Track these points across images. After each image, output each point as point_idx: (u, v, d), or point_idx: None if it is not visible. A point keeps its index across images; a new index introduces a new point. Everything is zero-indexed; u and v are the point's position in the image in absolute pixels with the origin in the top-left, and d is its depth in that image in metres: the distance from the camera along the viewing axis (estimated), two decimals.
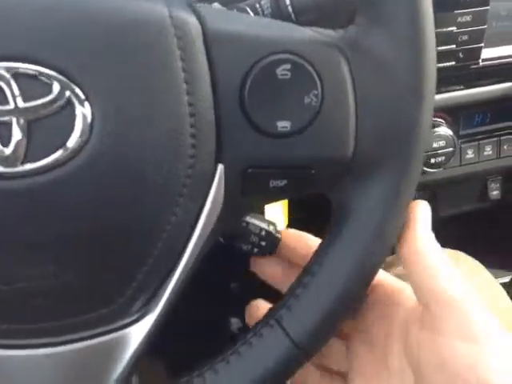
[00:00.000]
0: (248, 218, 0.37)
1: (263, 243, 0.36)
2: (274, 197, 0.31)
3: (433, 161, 0.53)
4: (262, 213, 0.60)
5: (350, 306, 0.31)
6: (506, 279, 0.61)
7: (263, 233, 0.36)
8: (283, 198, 0.33)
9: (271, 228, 0.37)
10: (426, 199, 0.68)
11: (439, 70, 0.53)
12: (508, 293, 0.58)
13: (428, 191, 0.64)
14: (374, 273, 0.32)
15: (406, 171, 0.29)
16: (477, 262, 0.43)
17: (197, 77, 0.26)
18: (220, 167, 0.28)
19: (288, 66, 0.27)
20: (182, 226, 0.28)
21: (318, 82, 0.27)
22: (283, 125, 0.27)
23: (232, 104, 0.27)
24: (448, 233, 0.70)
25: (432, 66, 0.29)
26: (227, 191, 0.28)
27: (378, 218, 0.30)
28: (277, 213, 0.56)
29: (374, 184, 0.29)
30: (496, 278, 0.65)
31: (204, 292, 0.65)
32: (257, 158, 0.28)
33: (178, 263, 0.28)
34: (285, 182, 0.29)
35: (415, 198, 0.68)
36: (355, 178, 0.29)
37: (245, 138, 0.27)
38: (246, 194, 0.29)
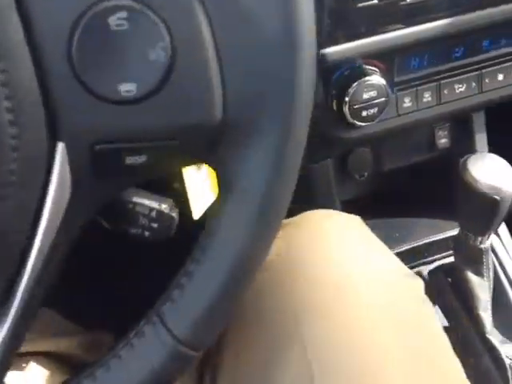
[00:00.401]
0: (135, 198, 0.32)
1: (155, 225, 0.32)
2: (138, 176, 0.26)
3: (364, 114, 0.48)
4: (182, 185, 0.56)
5: (241, 290, 0.27)
6: (455, 232, 0.58)
7: (154, 213, 0.32)
8: (150, 177, 0.28)
9: (164, 207, 0.32)
10: (368, 154, 0.65)
11: (361, 10, 0.49)
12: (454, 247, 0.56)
13: (369, 145, 0.60)
14: (269, 244, 0.28)
15: (286, 133, 0.25)
16: (368, 230, 0.40)
17: (5, 37, 0.21)
18: (60, 146, 0.23)
19: (124, 14, 0.22)
20: (17, 220, 0.23)
21: (165, 32, 0.22)
22: (127, 88, 0.22)
23: (60, 67, 0.22)
24: (397, 186, 0.67)
25: (306, 7, 0.23)
26: (75, 174, 0.24)
27: (262, 186, 0.25)
28: (203, 184, 0.51)
29: (252, 150, 0.25)
30: (446, 230, 0.62)
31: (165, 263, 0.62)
32: (102, 131, 0.23)
33: (24, 264, 0.24)
34: (144, 157, 0.24)
35: (356, 154, 0.65)
36: (230, 145, 0.25)
37: (83, 108, 0.22)
38: (101, 175, 0.24)
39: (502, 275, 0.58)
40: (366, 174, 0.62)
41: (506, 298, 0.57)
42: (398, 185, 0.66)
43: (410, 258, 0.62)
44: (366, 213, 0.68)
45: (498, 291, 0.58)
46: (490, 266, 0.54)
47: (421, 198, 0.66)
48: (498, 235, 0.63)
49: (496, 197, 0.47)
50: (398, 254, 0.62)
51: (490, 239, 0.53)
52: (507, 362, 0.52)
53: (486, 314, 0.53)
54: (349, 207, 0.66)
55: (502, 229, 0.64)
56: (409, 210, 0.65)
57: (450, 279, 0.58)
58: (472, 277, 0.53)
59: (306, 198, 0.59)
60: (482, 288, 0.54)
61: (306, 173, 0.60)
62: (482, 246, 0.53)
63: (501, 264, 0.60)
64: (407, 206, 0.66)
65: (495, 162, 0.49)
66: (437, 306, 0.57)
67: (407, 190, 0.66)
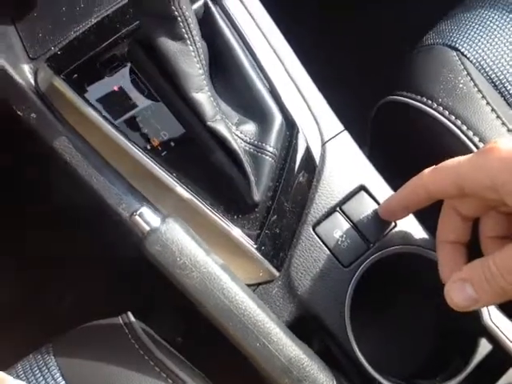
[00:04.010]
0: None
1: None
2: None
3: None
4: None
5: None
6: None
7: None
8: None
9: None
10: None
11: None
12: None
13: None
14: None
15: None
16: None
17: None
18: None
19: None
20: None
21: None
22: None
23: None
24: None
25: None
26: None
27: None
28: None
29: None
30: None
31: None
32: None
33: None
34: None
35: None
36: None
37: None
38: None
39: (225, 28, 0.41)
40: None
41: (235, 59, 0.42)
42: None
43: (100, 37, 0.42)
44: None
45: (223, 53, 0.42)
46: (192, 21, 0.36)
47: None
48: None
49: None
50: (85, 34, 0.42)
51: None
52: (243, 147, 0.40)
53: (202, 95, 0.38)
54: None
55: None
56: None
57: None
58: (168, 44, 0.36)
59: None
60: (186, 58, 0.36)
61: None
62: None
63: (224, 11, 0.42)
64: None
65: None
66: None
67: None
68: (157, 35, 0.35)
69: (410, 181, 0.37)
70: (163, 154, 0.40)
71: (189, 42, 0.36)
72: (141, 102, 0.40)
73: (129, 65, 0.40)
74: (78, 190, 0.42)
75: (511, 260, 0.30)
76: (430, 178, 0.35)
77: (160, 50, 0.36)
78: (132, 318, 0.40)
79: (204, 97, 0.37)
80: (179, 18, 0.34)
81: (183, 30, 0.35)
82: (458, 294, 0.32)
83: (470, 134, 0.42)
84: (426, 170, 0.35)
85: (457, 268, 0.35)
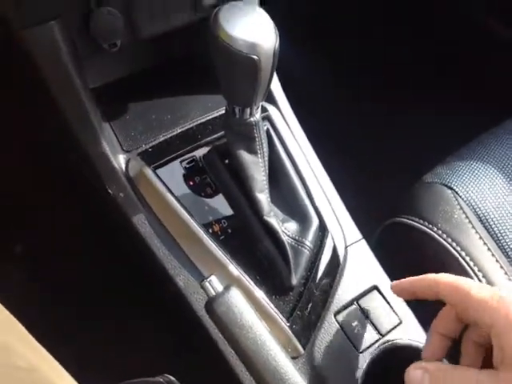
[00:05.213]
0: None
1: None
2: None
3: None
4: None
5: None
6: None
7: None
8: None
9: None
10: (117, 16, 0.51)
11: None
12: None
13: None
14: None
15: None
16: None
17: None
18: None
19: None
20: None
21: None
22: None
23: None
24: (159, 60, 0.55)
25: None
26: None
27: None
28: None
29: None
30: (218, 109, 0.54)
31: None
32: None
33: None
34: None
35: (100, 15, 0.51)
36: None
37: None
38: None
39: (280, 149, 0.53)
40: (117, 42, 0.49)
41: (285, 172, 0.53)
42: (159, 57, 0.55)
43: (184, 142, 0.53)
44: (126, 97, 0.57)
45: (276, 167, 0.53)
46: (264, 141, 0.48)
47: (189, 73, 0.56)
48: (277, 106, 0.58)
49: (253, 56, 0.39)
50: (171, 139, 0.54)
51: (258, 111, 0.46)
52: (286, 240, 0.49)
53: (262, 196, 0.48)
54: (103, 94, 0.54)
55: (281, 98, 0.58)
56: (177, 90, 0.56)
57: (226, 161, 0.51)
58: (245, 155, 0.47)
59: None
60: (256, 167, 0.47)
61: None
62: (252, 119, 0.45)
63: (280, 138, 0.55)
64: (175, 85, 0.56)
65: (251, 12, 0.40)
66: None
67: (171, 65, 0.56)
68: (237, 148, 0.47)
69: (427, 276, 0.45)
70: (221, 237, 0.49)
71: (259, 156, 0.47)
72: (208, 195, 0.51)
73: (203, 165, 0.51)
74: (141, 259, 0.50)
75: (466, 378, 0.39)
76: (446, 288, 0.42)
77: (237, 159, 0.47)
78: (172, 378, 0.46)
79: (264, 197, 0.48)
80: (257, 139, 0.46)
81: (257, 147, 0.47)
82: (416, 376, 0.41)
83: (463, 254, 0.53)
84: (444, 277, 0.43)
85: (435, 355, 0.44)
